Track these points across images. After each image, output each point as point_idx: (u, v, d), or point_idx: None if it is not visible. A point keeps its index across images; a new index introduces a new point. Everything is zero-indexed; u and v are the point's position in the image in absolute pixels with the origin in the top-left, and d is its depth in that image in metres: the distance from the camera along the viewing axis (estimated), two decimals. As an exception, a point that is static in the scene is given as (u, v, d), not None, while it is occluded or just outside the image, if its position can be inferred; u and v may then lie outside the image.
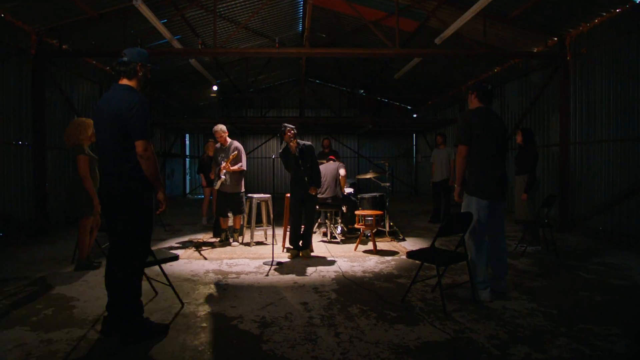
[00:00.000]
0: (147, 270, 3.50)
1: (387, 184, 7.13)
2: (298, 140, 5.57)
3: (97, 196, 4.40)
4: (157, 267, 3.66)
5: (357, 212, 6.23)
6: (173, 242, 6.65)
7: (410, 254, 3.80)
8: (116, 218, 2.88)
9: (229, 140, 6.30)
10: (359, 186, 8.60)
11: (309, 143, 5.70)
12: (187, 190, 17.08)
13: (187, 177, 17.24)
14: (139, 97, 2.86)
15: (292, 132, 5.48)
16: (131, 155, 2.80)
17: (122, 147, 2.80)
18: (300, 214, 5.60)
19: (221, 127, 6.27)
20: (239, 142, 6.54)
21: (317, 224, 7.26)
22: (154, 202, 2.98)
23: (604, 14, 6.65)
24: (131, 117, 2.77)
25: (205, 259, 5.46)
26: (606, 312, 3.46)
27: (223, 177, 6.03)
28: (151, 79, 11.91)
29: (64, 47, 7.79)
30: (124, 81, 2.95)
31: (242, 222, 6.61)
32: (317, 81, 16.95)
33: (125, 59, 2.94)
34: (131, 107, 2.78)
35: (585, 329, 3.10)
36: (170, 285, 3.69)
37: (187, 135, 17.12)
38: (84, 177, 4.51)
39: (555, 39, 7.82)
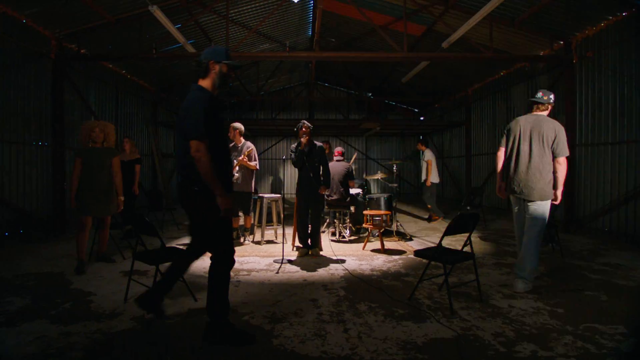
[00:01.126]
0: (161, 267, 3.53)
1: (395, 185, 7.11)
2: (311, 139, 5.58)
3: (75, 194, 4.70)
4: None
5: (365, 212, 6.22)
6: (185, 240, 6.69)
7: (418, 253, 3.80)
8: (189, 218, 2.93)
9: (242, 140, 6.32)
10: (367, 186, 8.56)
11: (321, 143, 5.70)
12: (199, 191, 17.14)
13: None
14: (196, 96, 2.76)
15: (304, 129, 5.48)
16: (189, 156, 2.69)
17: (183, 147, 2.74)
18: (306, 213, 5.60)
19: (237, 125, 6.27)
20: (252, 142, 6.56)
21: (326, 224, 7.26)
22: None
23: (610, 17, 6.59)
24: (184, 117, 2.70)
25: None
26: (612, 312, 3.41)
27: (236, 175, 6.05)
28: (165, 82, 12.03)
29: (82, 51, 7.90)
30: (199, 81, 2.89)
31: (252, 221, 6.62)
32: (326, 84, 16.96)
33: (199, 58, 2.88)
34: (185, 106, 2.73)
35: (591, 328, 3.06)
36: (184, 280, 3.72)
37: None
38: (72, 178, 4.70)
39: (562, 42, 7.76)
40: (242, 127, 6.34)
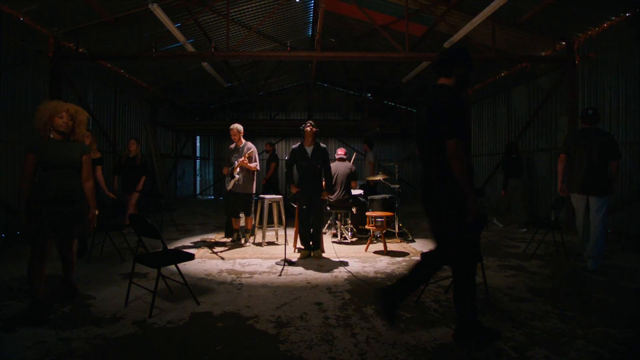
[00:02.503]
0: (162, 270, 3.45)
1: (397, 186, 7.05)
2: (316, 140, 5.52)
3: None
4: (172, 266, 3.61)
5: (367, 214, 6.16)
6: (186, 242, 6.61)
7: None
8: (435, 219, 2.87)
9: (243, 140, 6.25)
10: (370, 187, 8.51)
11: (324, 145, 5.64)
12: (198, 191, 17.08)
13: (198, 178, 17.25)
14: (451, 96, 2.73)
15: (309, 128, 5.42)
16: (442, 155, 2.65)
17: (433, 148, 2.72)
18: (307, 215, 5.53)
19: (237, 126, 6.20)
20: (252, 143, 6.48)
21: (327, 225, 7.19)
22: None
23: (613, 18, 6.56)
24: (442, 116, 2.66)
25: (223, 259, 5.41)
26: (622, 315, 3.36)
27: (237, 176, 5.97)
28: (164, 82, 11.95)
29: (80, 50, 7.81)
30: (442, 80, 2.89)
31: (253, 223, 6.54)
32: (325, 85, 16.91)
33: (444, 57, 2.88)
34: (441, 107, 2.69)
35: (603, 332, 3.00)
36: (186, 284, 3.64)
37: (198, 137, 17.13)
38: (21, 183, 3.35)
39: (564, 43, 7.73)
40: (242, 128, 6.26)
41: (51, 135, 3.48)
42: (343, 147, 15.94)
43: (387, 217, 5.90)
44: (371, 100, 16.15)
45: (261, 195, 6.50)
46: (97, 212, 3.72)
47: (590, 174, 4.58)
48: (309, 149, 5.45)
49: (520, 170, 7.76)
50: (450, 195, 2.67)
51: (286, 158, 5.61)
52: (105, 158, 8.65)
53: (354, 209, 6.86)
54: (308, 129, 5.40)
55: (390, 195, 6.92)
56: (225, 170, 6.14)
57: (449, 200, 2.69)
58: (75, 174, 3.46)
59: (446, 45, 7.98)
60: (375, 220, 5.89)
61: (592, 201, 4.58)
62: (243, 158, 5.94)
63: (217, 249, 5.98)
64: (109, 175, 8.11)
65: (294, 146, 5.60)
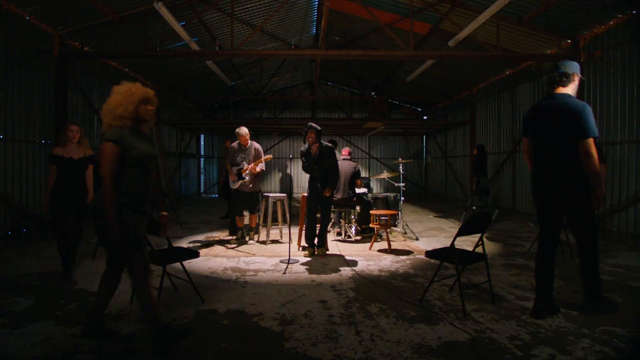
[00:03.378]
0: (168, 268, 3.47)
1: (402, 184, 7.04)
2: (322, 142, 5.52)
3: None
4: (177, 264, 3.63)
5: (372, 212, 6.16)
6: (190, 240, 6.63)
7: (430, 254, 3.73)
8: (570, 209, 3.29)
9: (249, 141, 6.26)
10: (370, 186, 8.52)
11: (330, 145, 5.64)
12: (202, 190, 17.12)
13: (202, 177, 17.29)
14: (579, 102, 3.20)
15: (312, 134, 5.42)
16: (573, 152, 3.11)
17: (564, 147, 3.16)
18: (315, 213, 5.56)
19: (245, 130, 6.20)
20: (258, 143, 6.50)
21: (331, 223, 7.20)
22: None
23: (619, 15, 6.52)
24: (580, 119, 3.07)
25: (227, 257, 5.42)
26: (628, 315, 3.34)
27: (247, 177, 6.00)
28: (168, 80, 11.97)
29: (85, 48, 7.84)
30: (560, 89, 3.29)
31: (257, 221, 6.56)
32: (329, 83, 16.89)
33: (563, 70, 3.27)
34: (574, 110, 3.12)
35: (608, 331, 2.98)
36: (191, 281, 3.66)
37: (202, 136, 17.17)
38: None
39: (569, 41, 7.69)
40: (247, 130, 6.25)
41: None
42: (347, 146, 15.99)
43: (392, 215, 5.90)
44: (375, 98, 16.13)
45: (265, 194, 6.52)
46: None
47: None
48: (315, 150, 5.46)
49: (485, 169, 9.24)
50: (583, 186, 3.14)
51: (302, 162, 5.63)
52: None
53: (358, 208, 6.87)
54: (310, 134, 5.41)
55: (394, 194, 6.92)
56: (232, 177, 6.14)
57: (583, 190, 3.15)
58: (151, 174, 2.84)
59: (451, 43, 7.96)
60: (379, 219, 5.90)
61: None
62: (253, 165, 5.97)
63: (222, 247, 5.99)
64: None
65: (301, 148, 5.63)
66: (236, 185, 6.09)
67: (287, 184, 15.81)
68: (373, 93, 16.26)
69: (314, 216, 5.55)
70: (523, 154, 4.06)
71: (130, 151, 2.60)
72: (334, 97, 16.53)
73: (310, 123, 5.56)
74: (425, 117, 16.64)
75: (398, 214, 6.92)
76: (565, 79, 3.26)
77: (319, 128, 5.48)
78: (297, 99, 16.52)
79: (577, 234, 3.32)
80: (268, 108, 16.43)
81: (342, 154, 6.78)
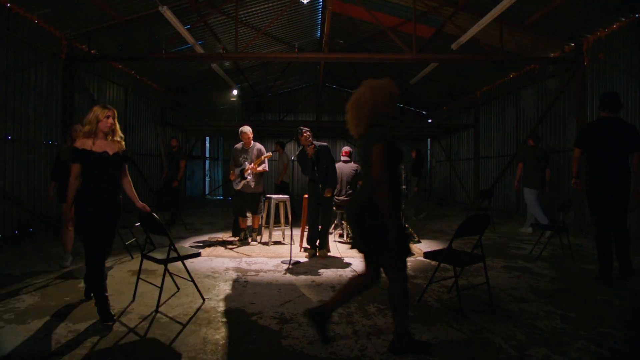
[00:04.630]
0: (169, 267, 3.53)
1: (404, 187, 7.06)
2: (315, 142, 5.58)
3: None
4: (179, 264, 3.69)
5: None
6: (193, 240, 6.71)
7: (428, 255, 3.77)
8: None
9: (252, 142, 6.33)
10: (280, 187, 8.71)
11: (325, 143, 5.69)
12: (207, 191, 17.23)
13: (207, 179, 17.41)
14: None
15: (307, 133, 5.49)
16: (625, 161, 4.23)
17: (625, 153, 4.22)
18: (317, 215, 5.61)
19: (248, 129, 6.28)
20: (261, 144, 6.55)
21: (333, 225, 7.23)
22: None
23: (623, 18, 6.52)
24: (635, 136, 4.19)
25: (229, 257, 5.48)
26: (626, 317, 3.36)
27: (249, 177, 6.06)
28: (174, 83, 12.08)
29: (92, 52, 7.97)
30: (611, 114, 4.31)
31: (260, 222, 6.62)
32: (334, 86, 16.99)
33: (618, 101, 4.34)
34: (635, 130, 4.24)
35: (605, 333, 3.01)
36: (192, 281, 3.72)
37: (207, 138, 17.29)
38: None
39: (572, 44, 7.69)
40: (250, 129, 6.33)
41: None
42: (351, 148, 16.00)
43: None
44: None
45: (268, 195, 6.58)
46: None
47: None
48: (311, 151, 5.52)
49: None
50: (629, 184, 4.23)
51: (297, 159, 5.71)
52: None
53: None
54: (305, 135, 5.49)
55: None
56: (232, 176, 6.21)
57: (627, 188, 4.23)
58: None
59: (454, 47, 7.99)
60: None
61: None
62: (254, 165, 6.03)
63: (224, 248, 6.06)
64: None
65: (298, 152, 5.70)
66: (239, 186, 6.15)
67: (289, 186, 15.88)
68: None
69: (315, 218, 5.60)
70: (574, 161, 4.58)
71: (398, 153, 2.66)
72: (339, 100, 16.59)
73: (300, 127, 5.61)
74: (429, 120, 16.66)
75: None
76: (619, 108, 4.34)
77: (308, 129, 5.56)
78: (301, 102, 16.60)
79: (616, 223, 4.27)
80: (273, 111, 16.52)
81: (342, 155, 6.81)
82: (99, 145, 3.24)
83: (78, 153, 3.17)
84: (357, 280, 2.77)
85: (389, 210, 2.42)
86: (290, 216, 6.33)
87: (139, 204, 3.50)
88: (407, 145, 17.18)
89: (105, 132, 3.30)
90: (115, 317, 3.19)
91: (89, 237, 3.18)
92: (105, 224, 3.24)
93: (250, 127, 6.38)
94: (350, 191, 6.46)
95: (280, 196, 6.56)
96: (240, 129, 6.25)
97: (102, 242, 3.23)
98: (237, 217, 6.55)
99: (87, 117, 3.29)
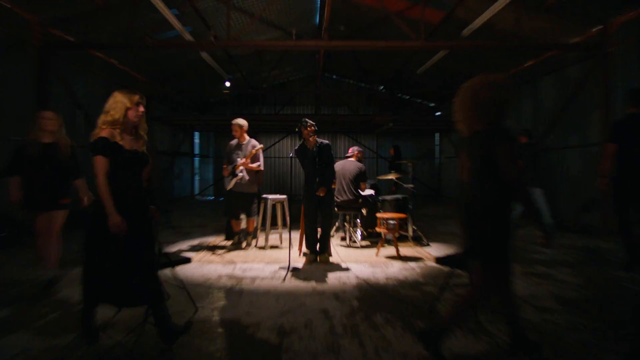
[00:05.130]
0: (159, 273, 3.47)
1: (411, 186, 7.04)
2: (317, 138, 5.59)
3: None
4: (168, 270, 3.66)
5: (378, 215, 6.17)
6: (183, 245, 6.66)
7: (440, 260, 3.75)
8: None
9: (246, 137, 6.29)
10: (378, 187, 8.50)
11: (327, 142, 5.70)
12: (196, 191, 17.20)
13: (196, 178, 17.38)
14: None
15: (312, 128, 5.52)
16: None
17: None
18: (315, 217, 5.60)
19: (242, 121, 6.24)
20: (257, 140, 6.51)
21: (335, 227, 7.21)
22: None
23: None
24: None
25: (223, 263, 5.45)
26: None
27: (240, 174, 6.02)
28: (160, 73, 12.02)
29: (69, 38, 7.89)
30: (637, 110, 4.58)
31: (255, 225, 6.59)
32: (334, 77, 16.94)
33: None
34: None
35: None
36: (185, 288, 3.70)
37: (197, 134, 17.26)
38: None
39: (596, 29, 7.63)
40: (246, 124, 6.30)
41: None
42: (355, 144, 15.99)
43: (400, 219, 5.91)
44: (384, 93, 16.16)
45: (264, 195, 6.54)
46: None
47: None
48: (312, 148, 5.53)
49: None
50: None
51: (296, 154, 5.70)
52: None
53: (363, 210, 6.87)
54: (310, 129, 5.51)
55: (403, 196, 6.92)
56: (225, 172, 6.18)
57: None
58: None
59: (465, 33, 7.95)
60: (387, 223, 5.90)
61: None
62: (245, 159, 5.99)
63: (216, 253, 6.03)
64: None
65: (296, 148, 5.70)
66: (230, 185, 6.10)
67: (287, 185, 15.85)
68: (381, 87, 16.31)
69: (314, 220, 5.58)
70: (606, 159, 4.67)
71: None
72: (339, 91, 16.57)
73: (305, 118, 5.62)
74: (438, 113, 16.60)
75: (407, 217, 6.91)
76: None
77: (313, 123, 5.60)
78: (299, 93, 16.57)
79: None
80: (268, 103, 16.47)
81: (349, 152, 6.79)
82: (126, 141, 2.87)
83: (109, 145, 2.76)
84: (468, 294, 2.77)
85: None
86: (288, 218, 6.30)
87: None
88: (413, 141, 17.24)
89: (134, 124, 2.94)
90: (99, 330, 3.12)
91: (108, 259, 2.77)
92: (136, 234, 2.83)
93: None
94: (354, 192, 6.42)
95: (278, 196, 6.53)
96: (234, 121, 6.22)
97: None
98: (229, 219, 6.51)
99: (109, 104, 2.91)
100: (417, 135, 17.15)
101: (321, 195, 5.47)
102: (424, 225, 8.68)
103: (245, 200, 6.19)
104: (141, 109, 2.96)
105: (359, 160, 6.79)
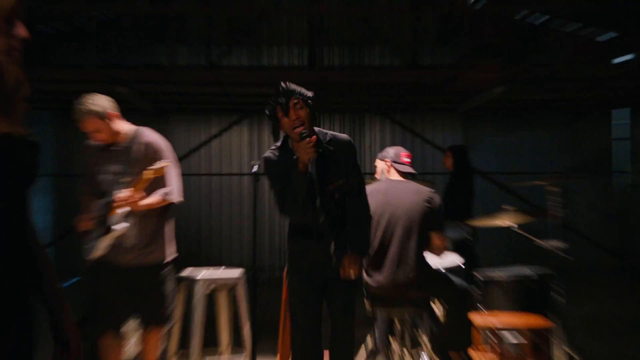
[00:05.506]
0: None
1: (560, 244, 6.86)
2: (321, 129, 5.51)
3: None
4: None
5: (475, 319, 6.07)
6: None
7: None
8: None
9: (126, 130, 6.00)
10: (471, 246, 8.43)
11: (345, 136, 5.59)
12: None
13: None
14: None
15: (301, 104, 5.25)
16: None
17: None
18: (317, 323, 5.49)
19: (98, 103, 5.98)
20: (159, 134, 6.30)
21: (369, 350, 7.04)
22: None
23: None
24: None
25: None
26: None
27: (123, 224, 5.71)
28: None
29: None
30: None
31: (165, 347, 6.37)
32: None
33: None
34: None
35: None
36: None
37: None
38: None
39: None
40: (112, 106, 6.02)
41: None
42: (405, 140, 15.94)
43: (535, 330, 5.74)
44: (478, 12, 16.10)
45: (186, 271, 6.33)
46: None
47: None
48: (307, 157, 5.22)
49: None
50: None
51: (268, 169, 5.49)
52: None
53: (436, 307, 6.66)
54: (288, 118, 5.28)
55: (541, 271, 6.73)
56: (84, 223, 5.89)
57: None
58: None
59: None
60: (499, 341, 5.75)
61: None
62: (134, 187, 5.68)
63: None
64: None
65: (267, 154, 5.56)
66: (99, 251, 5.80)
67: (245, 243, 15.76)
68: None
69: (313, 332, 5.47)
70: None
71: None
72: (367, 12, 16.55)
73: (283, 83, 5.33)
74: (627, 57, 16.44)
75: (553, 324, 6.74)
76: None
77: (310, 94, 5.38)
78: (276, 23, 16.57)
79: None
80: (192, 40, 16.38)
81: (399, 159, 6.63)
82: None
83: None
84: None
85: None
86: (247, 327, 6.14)
87: None
88: (551, 132, 17.28)
89: None
90: None
91: None
92: None
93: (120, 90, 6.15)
94: (412, 256, 6.20)
95: (220, 272, 6.41)
96: (78, 105, 5.93)
97: None
98: (96, 336, 6.28)
99: None
100: (562, 117, 17.08)
101: (352, 275, 5.29)
102: (594, 344, 8.57)
103: (137, 284, 5.96)
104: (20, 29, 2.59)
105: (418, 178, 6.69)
